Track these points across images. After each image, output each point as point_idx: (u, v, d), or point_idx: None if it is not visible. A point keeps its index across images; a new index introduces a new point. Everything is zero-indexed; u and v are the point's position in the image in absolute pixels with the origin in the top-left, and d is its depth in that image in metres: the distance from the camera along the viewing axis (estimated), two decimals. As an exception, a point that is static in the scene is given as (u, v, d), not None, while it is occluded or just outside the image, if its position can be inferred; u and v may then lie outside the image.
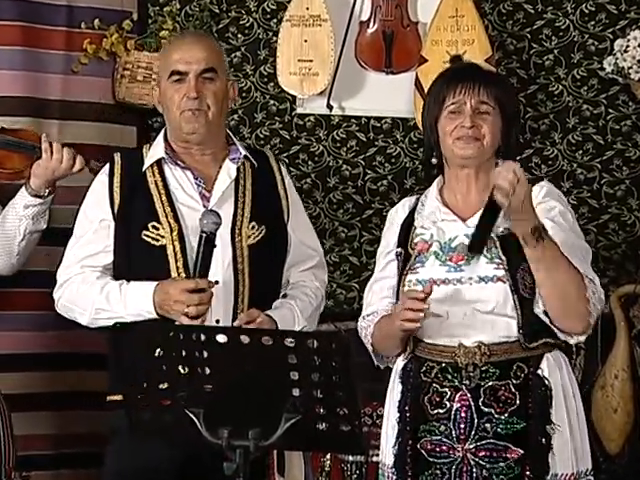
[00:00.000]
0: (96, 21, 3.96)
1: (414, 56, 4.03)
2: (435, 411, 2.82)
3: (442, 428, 2.81)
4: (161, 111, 3.20)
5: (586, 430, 2.87)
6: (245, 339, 2.41)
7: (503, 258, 2.79)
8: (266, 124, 4.10)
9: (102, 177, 3.18)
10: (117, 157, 3.21)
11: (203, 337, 2.44)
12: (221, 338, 2.42)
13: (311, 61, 4.00)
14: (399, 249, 2.94)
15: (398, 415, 2.88)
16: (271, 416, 2.40)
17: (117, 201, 3.12)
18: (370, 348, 3.00)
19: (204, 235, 2.94)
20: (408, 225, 2.96)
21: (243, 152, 3.18)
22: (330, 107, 4.06)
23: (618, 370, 3.93)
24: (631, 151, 4.09)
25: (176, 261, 3.06)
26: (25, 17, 3.89)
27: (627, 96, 4.06)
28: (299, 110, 4.12)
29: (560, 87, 4.06)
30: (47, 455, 3.86)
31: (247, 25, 4.11)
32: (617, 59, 3.97)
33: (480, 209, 2.79)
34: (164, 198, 3.10)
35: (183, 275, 3.05)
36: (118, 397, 3.07)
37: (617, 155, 4.10)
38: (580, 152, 4.10)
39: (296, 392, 2.41)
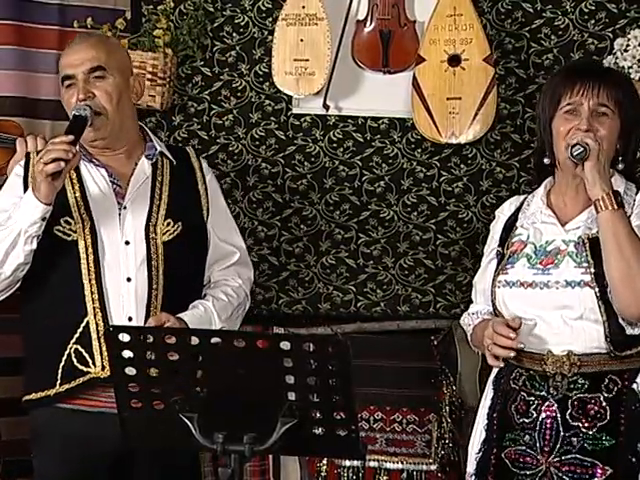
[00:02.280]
0: (89, 20, 3.93)
1: (411, 55, 3.99)
2: (521, 420, 2.76)
3: (527, 438, 2.74)
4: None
5: None
6: (240, 342, 2.37)
7: (591, 261, 2.72)
8: (261, 124, 4.07)
9: (18, 170, 3.18)
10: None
11: (197, 340, 2.41)
12: (215, 340, 2.39)
13: (307, 60, 3.96)
14: (499, 248, 2.90)
15: (486, 422, 2.83)
16: (267, 420, 2.37)
17: None
18: (472, 345, 2.99)
19: (75, 116, 3.00)
20: (511, 224, 2.91)
21: (159, 148, 3.19)
22: (326, 107, 4.03)
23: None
24: (631, 152, 4.05)
25: (87, 256, 3.04)
26: (17, 16, 3.89)
27: (627, 96, 4.02)
28: (295, 110, 4.09)
29: (559, 87, 4.03)
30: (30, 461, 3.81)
31: (242, 24, 4.07)
32: (617, 58, 3.93)
33: (582, 213, 2.76)
34: (78, 194, 3.10)
35: (94, 272, 3.01)
36: (33, 396, 3.06)
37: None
38: (580, 153, 4.06)
39: (292, 396, 2.38)
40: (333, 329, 3.95)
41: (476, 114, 3.90)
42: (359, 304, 4.10)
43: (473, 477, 2.83)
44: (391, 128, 4.08)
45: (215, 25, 4.06)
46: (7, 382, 3.67)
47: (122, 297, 3.04)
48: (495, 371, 2.88)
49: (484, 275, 2.95)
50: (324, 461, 3.88)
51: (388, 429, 3.90)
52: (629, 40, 3.92)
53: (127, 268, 3.05)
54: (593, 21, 4.03)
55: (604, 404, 2.71)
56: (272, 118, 4.08)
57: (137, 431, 2.52)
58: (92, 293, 3.03)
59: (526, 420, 2.75)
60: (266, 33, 4.06)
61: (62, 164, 2.92)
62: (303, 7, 3.97)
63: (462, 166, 4.06)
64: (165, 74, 3.93)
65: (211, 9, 4.06)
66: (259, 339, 2.40)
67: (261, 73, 4.07)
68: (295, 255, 4.05)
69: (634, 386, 2.72)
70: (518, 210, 2.92)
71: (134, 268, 3.05)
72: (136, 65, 3.92)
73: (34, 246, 3.00)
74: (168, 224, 3.11)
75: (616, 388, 2.71)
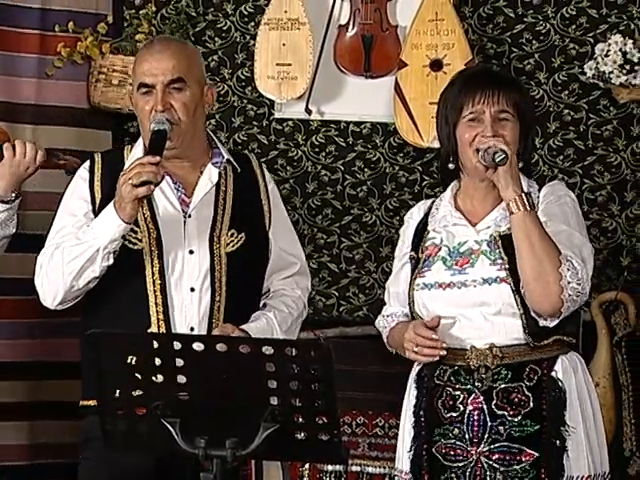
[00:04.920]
0: (70, 24, 3.93)
1: (393, 60, 4.00)
2: (449, 414, 2.84)
3: (456, 431, 2.82)
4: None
5: (603, 433, 2.87)
6: (222, 347, 2.37)
7: (505, 258, 2.81)
8: (244, 129, 4.07)
9: (83, 173, 3.13)
10: (97, 157, 3.16)
11: (179, 345, 2.40)
12: (197, 346, 2.38)
13: (289, 65, 3.97)
14: (412, 253, 2.96)
15: (413, 420, 2.89)
16: (249, 425, 2.37)
17: (98, 200, 3.07)
18: (388, 346, 3.05)
19: (155, 131, 2.95)
20: (422, 228, 2.98)
21: (226, 156, 3.13)
22: (309, 111, 4.03)
23: (599, 378, 3.91)
24: (612, 156, 4.07)
25: (152, 266, 3.01)
26: (-2, 20, 3.87)
27: (608, 101, 4.05)
28: (277, 114, 4.09)
29: (541, 92, 4.05)
30: (20, 466, 3.81)
31: (224, 28, 4.07)
32: (598, 63, 3.95)
33: (491, 213, 2.86)
34: (144, 202, 3.02)
35: (159, 282, 3.00)
36: (91, 402, 3.02)
37: (598, 161, 4.08)
38: (561, 157, 4.09)
39: (274, 401, 2.38)
40: (315, 333, 3.95)
41: (458, 119, 3.91)
42: (341, 308, 4.10)
43: (409, 475, 2.89)
44: (373, 132, 4.09)
45: (197, 29, 4.06)
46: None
47: (185, 307, 3.00)
48: (415, 370, 2.94)
49: (397, 279, 3.02)
50: (306, 466, 3.88)
51: (370, 433, 3.91)
52: (610, 45, 3.94)
53: (191, 278, 3.01)
54: (574, 26, 4.05)
55: (526, 392, 2.80)
56: (254, 122, 4.09)
57: (118, 434, 2.51)
58: (157, 304, 2.99)
59: (454, 414, 2.83)
60: (248, 37, 4.07)
61: (152, 187, 2.90)
62: (285, 12, 3.97)
63: (444, 170, 4.07)
64: (147, 78, 3.92)
65: (193, 13, 4.06)
66: (241, 343, 2.40)
67: (243, 77, 4.07)
68: (277, 259, 4.05)
69: (553, 373, 2.81)
70: (427, 214, 2.98)
71: (198, 278, 3.01)
72: (118, 69, 3.93)
73: (111, 262, 2.96)
74: (232, 234, 3.06)
75: (536, 377, 2.81)
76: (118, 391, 2.47)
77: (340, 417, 2.46)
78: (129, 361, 2.43)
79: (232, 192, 3.12)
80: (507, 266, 2.80)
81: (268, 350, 2.35)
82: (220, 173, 3.11)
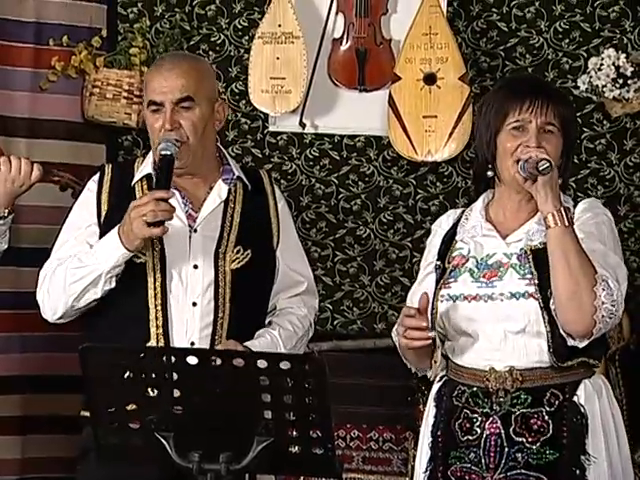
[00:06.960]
0: (64, 38, 3.92)
1: (387, 74, 4.01)
2: (465, 437, 2.74)
3: (472, 455, 2.72)
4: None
5: (630, 462, 2.76)
6: (217, 361, 2.37)
7: (534, 273, 2.71)
8: (238, 142, 4.07)
9: (91, 185, 3.12)
10: (108, 168, 3.15)
11: (173, 359, 2.40)
12: (192, 360, 2.38)
13: (283, 79, 3.98)
14: (438, 262, 2.87)
15: (431, 440, 2.80)
16: (243, 439, 2.36)
17: (104, 211, 3.07)
18: (403, 358, 2.93)
19: (162, 155, 2.93)
20: (450, 238, 2.88)
21: (237, 173, 3.12)
22: (303, 125, 4.04)
23: (594, 391, 3.90)
24: (606, 170, 4.08)
25: (155, 280, 3.00)
26: (-7, 34, 3.87)
27: (601, 114, 4.05)
28: (271, 128, 4.10)
29: (534, 105, 4.05)
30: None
31: (218, 42, 4.08)
32: (591, 77, 3.97)
33: (522, 226, 2.77)
34: None
35: (160, 295, 2.99)
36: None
37: (592, 174, 4.09)
38: (555, 171, 4.09)
39: (268, 414, 2.37)
40: (310, 347, 3.94)
41: (452, 132, 3.92)
42: (335, 322, 4.10)
43: None
44: (367, 146, 4.09)
45: (191, 43, 4.07)
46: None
47: (187, 322, 2.98)
48: (436, 388, 2.87)
49: (420, 288, 2.91)
50: (301, 479, 3.87)
51: (364, 447, 3.90)
52: (603, 59, 3.95)
53: (193, 292, 3.00)
54: (567, 40, 4.06)
55: (546, 418, 2.70)
56: (248, 136, 4.09)
57: (111, 447, 2.50)
58: (157, 318, 2.97)
59: (470, 437, 2.74)
60: (242, 51, 4.07)
61: (166, 228, 2.90)
62: (279, 25, 3.98)
63: (438, 184, 4.08)
64: (141, 92, 3.92)
65: (187, 27, 4.07)
66: (235, 357, 2.40)
67: (237, 91, 4.07)
68: (271, 273, 4.05)
69: (575, 399, 2.72)
70: (456, 224, 2.93)
71: (200, 293, 3.00)
72: (112, 83, 3.93)
73: (113, 285, 2.97)
74: (238, 251, 3.04)
75: (557, 402, 2.71)
76: (110, 405, 2.47)
77: (334, 431, 2.45)
78: (121, 375, 2.43)
79: (240, 209, 3.09)
80: (536, 281, 2.70)
81: (262, 364, 2.35)
82: (230, 189, 3.09)
